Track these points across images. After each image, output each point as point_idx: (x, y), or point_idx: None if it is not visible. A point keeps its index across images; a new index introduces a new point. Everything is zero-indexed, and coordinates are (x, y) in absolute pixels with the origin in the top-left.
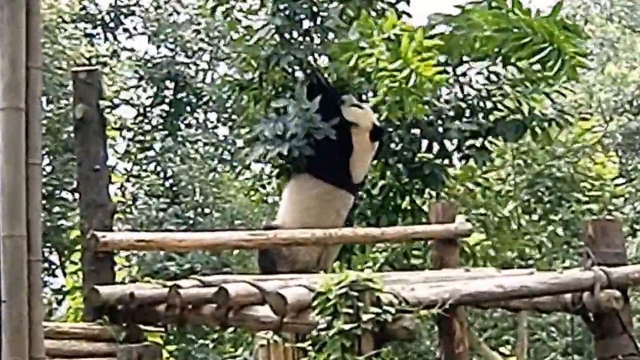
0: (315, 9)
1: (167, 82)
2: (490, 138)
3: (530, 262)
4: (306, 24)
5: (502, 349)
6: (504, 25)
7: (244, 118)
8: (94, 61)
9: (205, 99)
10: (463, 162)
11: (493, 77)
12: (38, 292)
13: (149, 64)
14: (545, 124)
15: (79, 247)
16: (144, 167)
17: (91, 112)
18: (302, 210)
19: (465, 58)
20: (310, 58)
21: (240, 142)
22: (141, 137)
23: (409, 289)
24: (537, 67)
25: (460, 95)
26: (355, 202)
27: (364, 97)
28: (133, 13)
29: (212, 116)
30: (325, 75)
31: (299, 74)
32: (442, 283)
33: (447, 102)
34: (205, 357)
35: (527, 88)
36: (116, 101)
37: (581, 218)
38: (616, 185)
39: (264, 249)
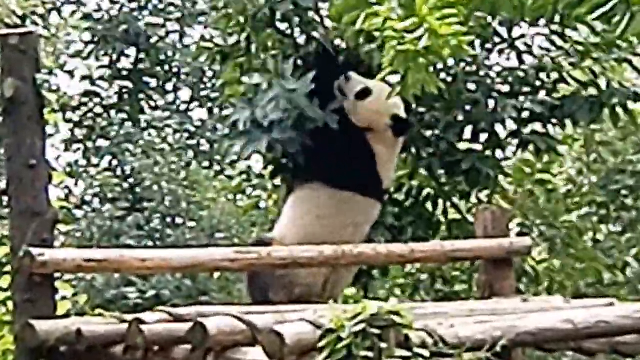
0: None
1: (126, 48)
2: (555, 121)
3: (611, 289)
4: None
5: None
6: None
7: (227, 97)
8: (28, 21)
9: (175, 71)
10: (519, 154)
11: (558, 41)
12: None
13: (102, 23)
14: (630, 102)
15: (8, 268)
16: (95, 161)
17: (25, 89)
18: (308, 222)
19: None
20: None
21: (222, 129)
22: (91, 122)
23: (447, 326)
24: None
25: (516, 64)
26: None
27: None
28: None
29: (185, 94)
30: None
31: (300, 40)
32: (493, 317)
33: (498, 74)
34: None
35: (605, 54)
36: (58, 74)
37: None
38: None
39: (260, 237)
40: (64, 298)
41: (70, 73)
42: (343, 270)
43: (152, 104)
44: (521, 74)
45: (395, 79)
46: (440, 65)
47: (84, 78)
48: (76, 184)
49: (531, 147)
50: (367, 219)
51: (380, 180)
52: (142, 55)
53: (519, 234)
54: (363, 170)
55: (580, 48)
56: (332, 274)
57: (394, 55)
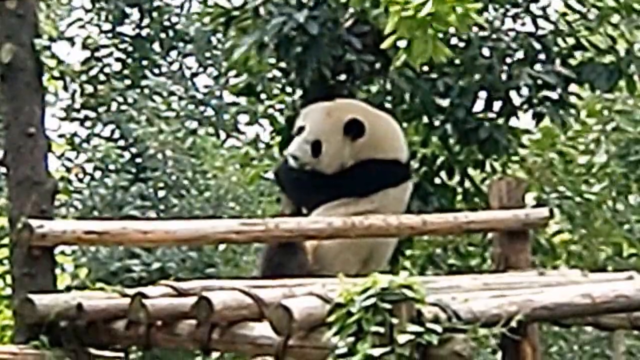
0: None
1: (129, 12)
2: (572, 89)
3: (630, 261)
4: None
5: None
6: None
7: (233, 62)
8: None
9: (180, 36)
10: (535, 122)
11: (576, 5)
12: None
13: None
14: None
15: (5, 241)
16: (97, 130)
17: (23, 55)
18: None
19: None
20: None
21: (228, 96)
22: (92, 89)
23: (461, 300)
24: None
25: (532, 29)
26: None
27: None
28: None
29: (190, 60)
30: None
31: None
32: (508, 292)
33: (513, 39)
34: None
35: (623, 19)
36: (58, 41)
37: None
38: None
39: (272, 251)
40: (64, 271)
41: (71, 40)
42: (374, 264)
43: (156, 70)
44: (536, 42)
45: (402, 44)
46: (452, 29)
47: (84, 45)
48: (77, 154)
49: (547, 121)
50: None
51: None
52: (145, 22)
53: (536, 206)
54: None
55: (598, 12)
56: (364, 268)
57: (397, 21)
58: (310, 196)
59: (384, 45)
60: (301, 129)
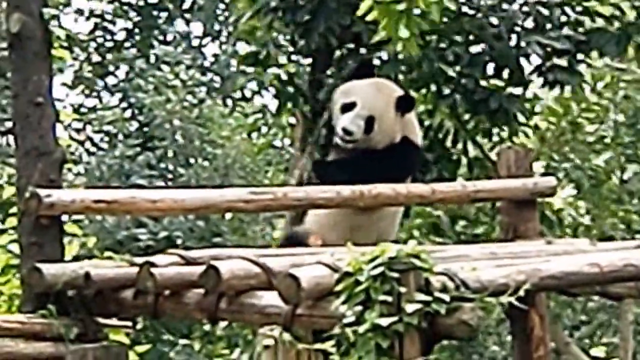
0: None
1: None
2: (581, 56)
3: (638, 231)
4: None
5: (597, 352)
6: None
7: (241, 31)
8: None
9: (187, 3)
10: (549, 89)
11: None
12: None
13: None
14: None
15: (14, 209)
16: (105, 99)
17: (31, 24)
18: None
19: None
20: None
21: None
22: (100, 58)
23: (469, 269)
24: None
25: None
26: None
27: None
28: None
29: (197, 28)
30: None
31: None
32: (516, 261)
33: (521, 7)
34: None
35: None
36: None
37: None
38: None
39: (292, 232)
40: (72, 240)
41: (80, 11)
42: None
43: (164, 38)
44: (544, 10)
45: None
46: None
47: (91, 15)
48: (85, 123)
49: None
50: None
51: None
52: None
53: (544, 174)
54: None
55: None
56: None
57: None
58: (359, 176)
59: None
60: (351, 105)
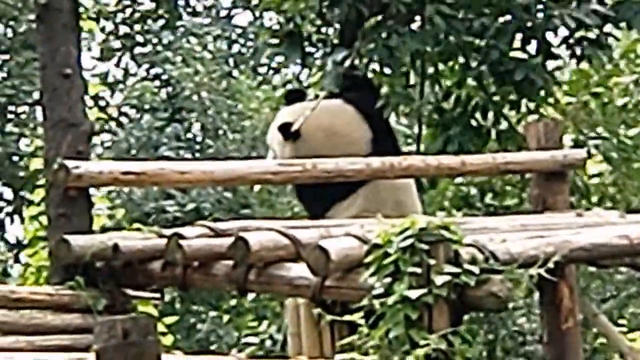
0: None
1: None
2: (608, 29)
3: None
4: None
5: (627, 323)
6: None
7: (269, 1)
8: None
9: None
10: (573, 63)
11: None
12: None
13: None
14: None
15: (42, 182)
16: (133, 70)
17: None
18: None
19: None
20: None
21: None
22: (128, 30)
23: (499, 241)
24: None
25: None
26: None
27: None
28: None
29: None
30: None
31: None
32: (545, 233)
33: None
34: (216, 331)
35: None
36: None
37: None
38: None
39: None
40: (100, 212)
41: None
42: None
43: (192, 9)
44: None
45: None
46: None
47: None
48: (112, 95)
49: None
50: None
51: None
52: None
53: (574, 147)
54: None
55: None
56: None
57: None
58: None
59: None
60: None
